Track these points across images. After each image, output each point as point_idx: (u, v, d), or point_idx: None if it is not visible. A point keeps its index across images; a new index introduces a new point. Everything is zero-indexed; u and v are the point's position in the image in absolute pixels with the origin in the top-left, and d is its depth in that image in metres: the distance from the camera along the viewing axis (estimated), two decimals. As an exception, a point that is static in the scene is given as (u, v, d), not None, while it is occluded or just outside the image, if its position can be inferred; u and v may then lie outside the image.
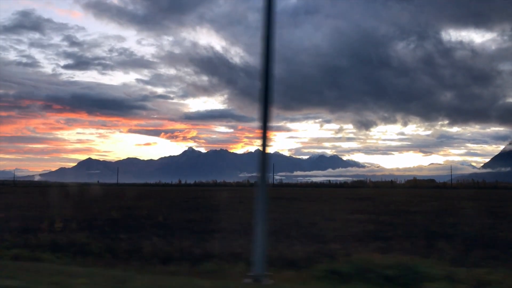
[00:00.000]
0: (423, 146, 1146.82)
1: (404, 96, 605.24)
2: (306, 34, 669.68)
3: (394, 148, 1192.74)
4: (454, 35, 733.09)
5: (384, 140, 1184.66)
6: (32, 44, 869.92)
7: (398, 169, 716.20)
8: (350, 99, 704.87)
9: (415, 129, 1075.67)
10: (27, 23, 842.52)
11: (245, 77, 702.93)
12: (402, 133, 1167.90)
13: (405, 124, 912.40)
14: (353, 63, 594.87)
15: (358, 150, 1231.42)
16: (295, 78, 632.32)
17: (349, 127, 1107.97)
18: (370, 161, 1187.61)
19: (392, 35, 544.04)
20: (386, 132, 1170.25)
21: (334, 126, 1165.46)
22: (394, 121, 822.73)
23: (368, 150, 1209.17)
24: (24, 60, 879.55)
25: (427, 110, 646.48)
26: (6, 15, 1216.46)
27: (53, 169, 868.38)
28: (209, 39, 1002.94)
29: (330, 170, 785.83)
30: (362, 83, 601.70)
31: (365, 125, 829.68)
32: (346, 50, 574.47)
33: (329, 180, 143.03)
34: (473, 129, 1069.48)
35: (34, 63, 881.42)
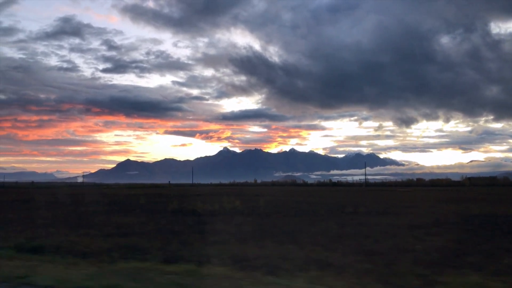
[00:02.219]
0: (463, 142, 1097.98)
1: (448, 92, 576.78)
2: (346, 30, 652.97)
3: (432, 145, 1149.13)
4: (504, 26, 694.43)
5: (422, 137, 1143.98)
6: (72, 49, 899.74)
7: (438, 167, 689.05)
8: (391, 96, 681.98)
9: (454, 125, 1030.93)
10: (67, 28, 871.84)
11: (284, 75, 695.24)
12: (441, 130, 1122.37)
13: (447, 120, 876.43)
14: (395, 58, 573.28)
15: (395, 148, 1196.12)
16: (335, 76, 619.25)
17: (388, 125, 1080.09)
18: (407, 158, 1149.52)
19: (437, 28, 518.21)
20: (427, 129, 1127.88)
21: (372, 123, 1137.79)
22: (435, 118, 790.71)
23: (405, 148, 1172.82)
24: (65, 65, 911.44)
25: (471, 106, 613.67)
26: (49, 22, 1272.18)
27: (93, 171, 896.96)
28: (243, 39, 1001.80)
29: (368, 168, 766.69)
30: (404, 79, 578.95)
31: (406, 122, 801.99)
32: (388, 46, 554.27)
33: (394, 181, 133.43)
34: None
35: (74, 68, 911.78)
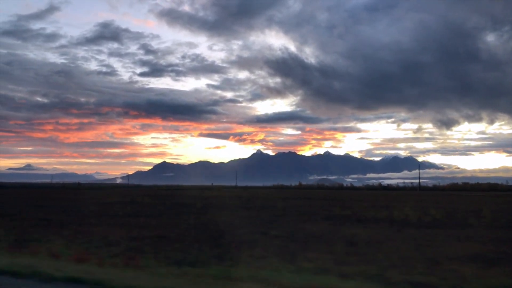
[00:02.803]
0: (507, 145, 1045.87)
1: (493, 92, 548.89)
2: (385, 29, 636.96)
3: (473, 148, 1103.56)
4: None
5: (464, 139, 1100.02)
6: (111, 54, 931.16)
7: (481, 171, 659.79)
8: (431, 97, 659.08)
9: (498, 127, 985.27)
10: (106, 34, 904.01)
11: (320, 77, 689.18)
12: (483, 132, 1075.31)
13: (491, 122, 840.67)
14: (437, 58, 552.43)
15: (434, 150, 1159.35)
16: (373, 76, 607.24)
17: (428, 127, 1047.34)
18: (447, 162, 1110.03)
19: (483, 26, 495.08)
20: (469, 131, 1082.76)
21: (410, 125, 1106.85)
22: (479, 119, 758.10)
23: (444, 151, 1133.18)
24: (104, 69, 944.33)
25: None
26: (88, 27, 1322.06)
27: (130, 172, 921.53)
28: (278, 41, 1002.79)
29: (405, 172, 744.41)
30: (446, 79, 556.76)
31: (446, 124, 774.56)
32: (430, 45, 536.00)
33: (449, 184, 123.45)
34: None
35: (112, 72, 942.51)
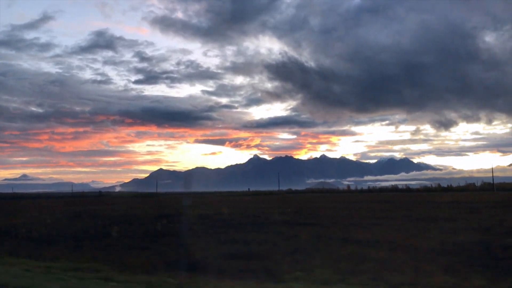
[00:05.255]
0: (501, 145, 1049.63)
1: (492, 92, 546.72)
2: (385, 30, 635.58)
3: (467, 148, 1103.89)
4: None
5: (461, 140, 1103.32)
6: (105, 62, 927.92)
7: (478, 171, 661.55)
8: (430, 98, 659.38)
9: (492, 127, 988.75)
10: (101, 42, 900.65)
11: (317, 80, 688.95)
12: (477, 133, 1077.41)
13: (489, 122, 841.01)
14: (437, 58, 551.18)
15: (429, 152, 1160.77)
16: (372, 78, 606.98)
17: (424, 128, 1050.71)
18: (442, 163, 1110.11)
19: (483, 25, 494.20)
20: (467, 131, 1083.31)
21: (406, 127, 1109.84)
22: (477, 119, 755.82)
23: (439, 152, 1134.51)
24: (99, 78, 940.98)
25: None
26: (83, 36, 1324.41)
27: (126, 180, 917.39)
28: (271, 46, 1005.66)
29: (403, 174, 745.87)
30: (446, 79, 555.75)
31: (445, 125, 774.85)
32: (431, 45, 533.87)
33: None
34: None
35: (107, 80, 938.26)
